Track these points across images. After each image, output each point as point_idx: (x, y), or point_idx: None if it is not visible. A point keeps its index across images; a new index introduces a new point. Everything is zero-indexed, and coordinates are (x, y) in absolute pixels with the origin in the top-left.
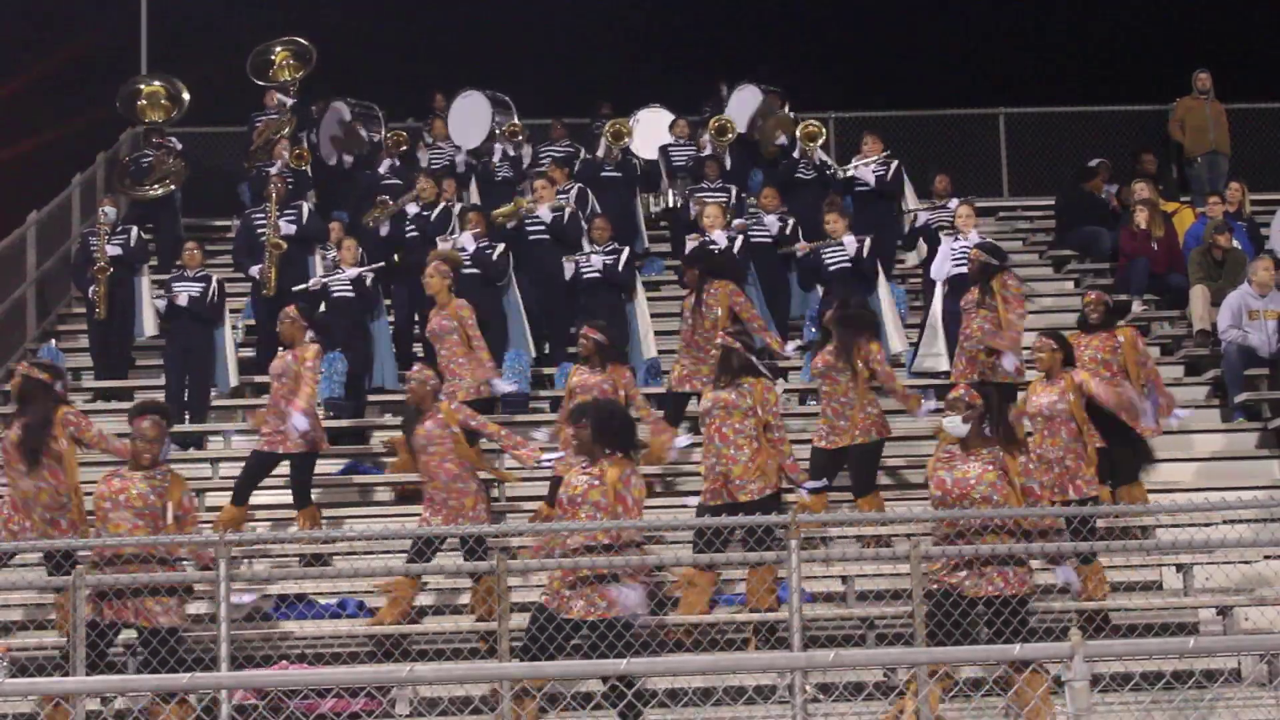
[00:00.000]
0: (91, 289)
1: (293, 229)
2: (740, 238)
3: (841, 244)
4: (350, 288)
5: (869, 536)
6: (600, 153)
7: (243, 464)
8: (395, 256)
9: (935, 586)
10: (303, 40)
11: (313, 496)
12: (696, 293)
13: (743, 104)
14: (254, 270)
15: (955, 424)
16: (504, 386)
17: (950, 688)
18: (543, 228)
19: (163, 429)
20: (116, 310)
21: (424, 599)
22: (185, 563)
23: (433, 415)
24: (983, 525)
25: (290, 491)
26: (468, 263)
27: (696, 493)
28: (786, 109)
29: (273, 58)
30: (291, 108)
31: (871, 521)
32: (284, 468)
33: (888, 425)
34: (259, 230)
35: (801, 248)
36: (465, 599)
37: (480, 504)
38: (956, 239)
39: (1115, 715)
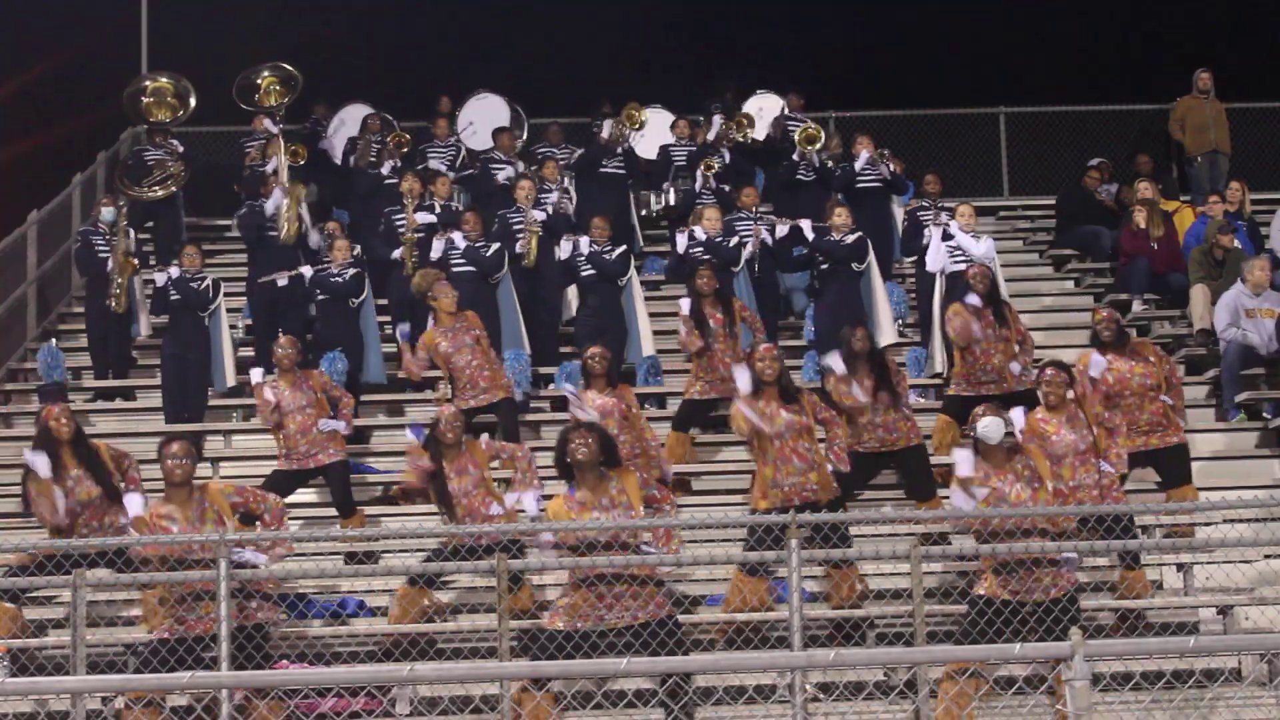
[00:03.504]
0: (116, 283)
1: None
2: (750, 241)
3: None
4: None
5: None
6: (605, 134)
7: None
8: (396, 253)
9: (985, 595)
10: (288, 66)
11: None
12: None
13: (760, 109)
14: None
15: (995, 425)
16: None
17: (980, 686)
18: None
19: (190, 450)
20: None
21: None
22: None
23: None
24: (1019, 528)
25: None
26: (471, 269)
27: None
28: (785, 110)
29: (259, 82)
30: (280, 135)
31: (874, 521)
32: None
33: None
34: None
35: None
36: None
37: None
38: (976, 238)
39: (1115, 715)
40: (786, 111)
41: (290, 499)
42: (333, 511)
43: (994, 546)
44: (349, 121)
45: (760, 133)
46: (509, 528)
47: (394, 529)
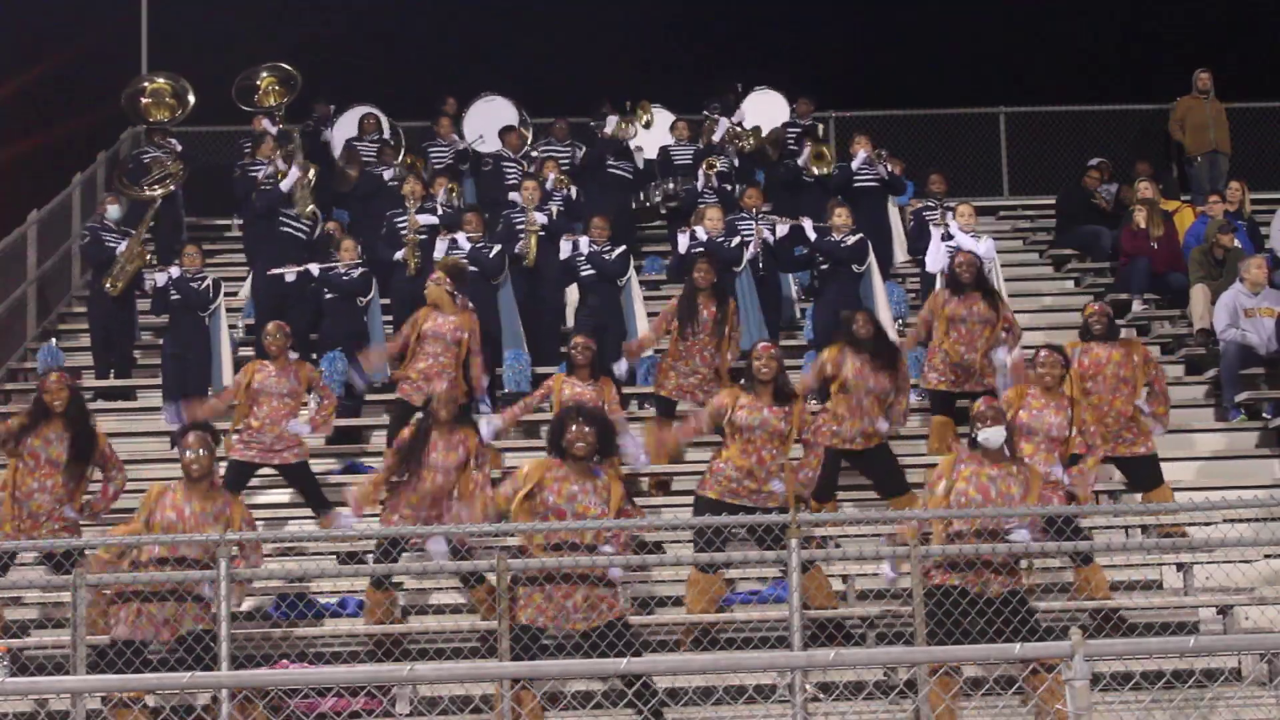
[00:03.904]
0: (120, 266)
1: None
2: (752, 241)
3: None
4: (336, 290)
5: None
6: (609, 130)
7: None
8: (399, 255)
9: (935, 585)
10: (288, 66)
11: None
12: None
13: (759, 107)
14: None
15: (996, 434)
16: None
17: (949, 686)
18: (539, 228)
19: (206, 441)
20: (118, 308)
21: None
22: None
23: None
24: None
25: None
26: (473, 270)
27: (690, 493)
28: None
29: (259, 82)
30: (277, 135)
31: (872, 521)
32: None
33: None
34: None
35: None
36: (440, 598)
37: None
38: (976, 237)
39: (1115, 715)
40: (792, 117)
41: (261, 499)
42: (294, 511)
43: (994, 546)
44: (347, 123)
45: (767, 129)
46: (500, 528)
47: (373, 529)
